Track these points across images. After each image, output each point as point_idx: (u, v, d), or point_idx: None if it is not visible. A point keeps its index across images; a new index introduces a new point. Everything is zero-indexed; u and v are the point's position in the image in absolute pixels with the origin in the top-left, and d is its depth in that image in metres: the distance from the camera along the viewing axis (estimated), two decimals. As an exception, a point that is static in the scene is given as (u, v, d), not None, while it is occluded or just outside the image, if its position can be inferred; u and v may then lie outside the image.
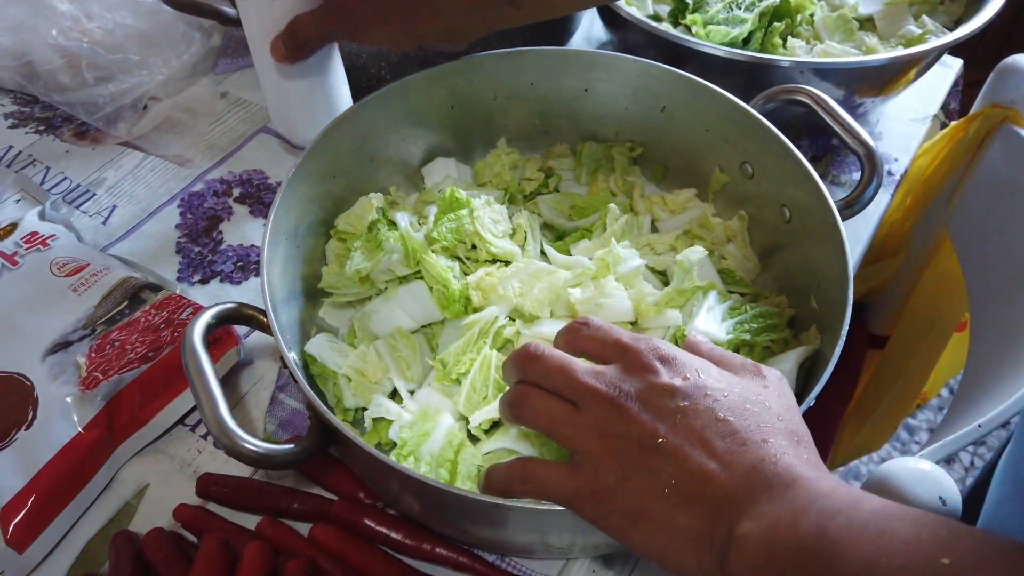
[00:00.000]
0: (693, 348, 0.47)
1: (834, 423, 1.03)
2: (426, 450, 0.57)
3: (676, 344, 0.61)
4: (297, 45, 0.65)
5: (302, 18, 0.63)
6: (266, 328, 0.55)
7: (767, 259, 0.69)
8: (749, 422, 0.41)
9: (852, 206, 0.66)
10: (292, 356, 0.57)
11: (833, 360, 0.53)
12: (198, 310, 0.64)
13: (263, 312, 0.56)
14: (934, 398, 1.22)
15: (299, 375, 0.52)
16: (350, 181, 0.67)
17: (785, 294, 0.66)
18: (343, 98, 0.74)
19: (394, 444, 0.57)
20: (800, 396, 0.54)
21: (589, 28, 0.98)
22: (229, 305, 0.55)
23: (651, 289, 0.64)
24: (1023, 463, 0.50)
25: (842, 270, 0.58)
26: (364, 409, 0.60)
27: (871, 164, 0.67)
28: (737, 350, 0.61)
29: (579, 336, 0.47)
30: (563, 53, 0.70)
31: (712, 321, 0.62)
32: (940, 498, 0.48)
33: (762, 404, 0.42)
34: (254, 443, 0.49)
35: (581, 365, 0.45)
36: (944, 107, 0.91)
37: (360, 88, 0.84)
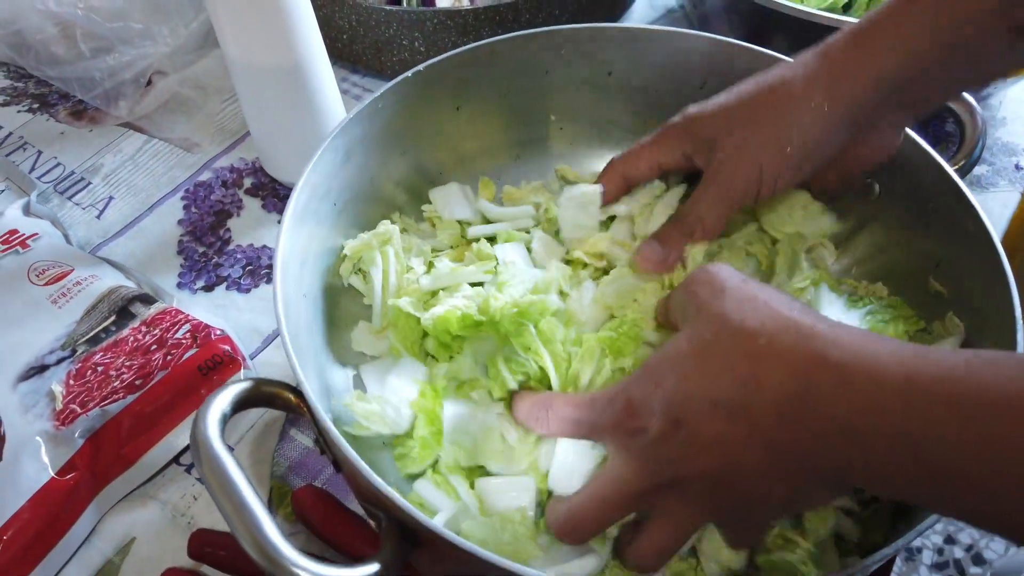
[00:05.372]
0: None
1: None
2: None
3: None
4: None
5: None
6: (297, 409, 0.44)
7: (844, 243, 0.56)
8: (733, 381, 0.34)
9: (960, 166, 0.53)
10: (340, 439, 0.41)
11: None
12: (197, 328, 0.54)
13: (293, 389, 0.44)
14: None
15: (371, 475, 0.38)
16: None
17: (880, 281, 0.53)
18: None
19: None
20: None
21: (653, -9, 0.85)
22: (245, 385, 0.43)
23: None
24: None
25: (980, 232, 0.46)
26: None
27: (973, 122, 0.54)
28: None
29: (541, 425, 0.45)
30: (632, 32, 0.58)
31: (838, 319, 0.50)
32: None
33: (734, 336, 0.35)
34: (316, 571, 0.35)
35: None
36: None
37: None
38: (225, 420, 0.42)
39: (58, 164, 0.71)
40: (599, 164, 0.60)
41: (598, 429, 0.41)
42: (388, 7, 0.69)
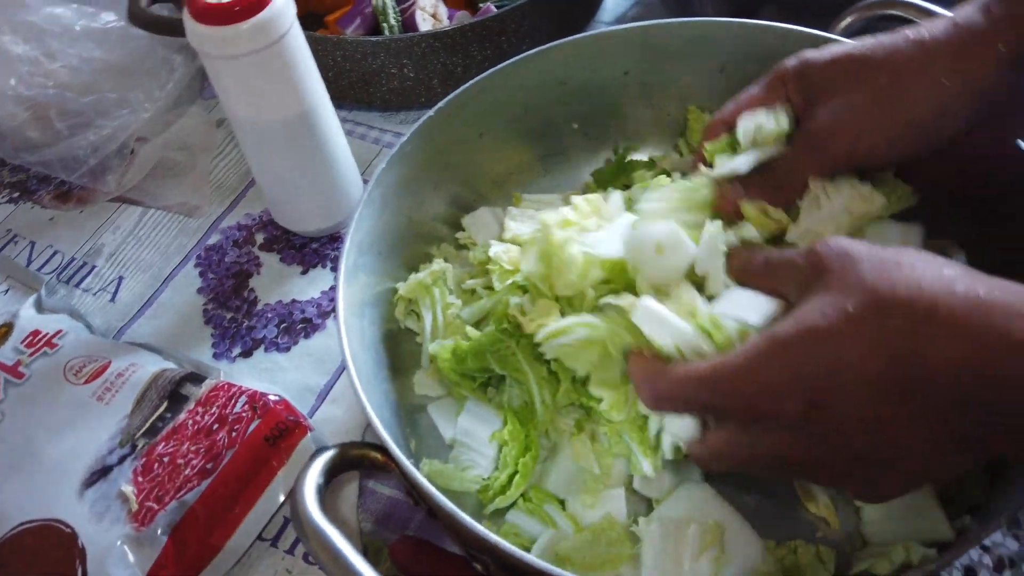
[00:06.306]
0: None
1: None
2: None
3: None
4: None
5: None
6: (385, 467, 0.44)
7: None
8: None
9: None
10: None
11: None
12: (253, 398, 0.53)
13: (378, 448, 0.44)
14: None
15: (474, 526, 0.38)
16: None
17: None
18: (353, 179, 0.64)
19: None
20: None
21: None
22: (331, 453, 0.43)
23: None
24: None
25: None
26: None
27: None
28: None
29: (651, 397, 0.40)
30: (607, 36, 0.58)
31: None
32: None
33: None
34: None
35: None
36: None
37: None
38: (321, 492, 0.42)
39: (56, 252, 0.68)
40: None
41: (720, 412, 0.37)
42: (374, 38, 0.68)
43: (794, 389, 0.33)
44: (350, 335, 0.46)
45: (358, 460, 0.44)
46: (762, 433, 0.35)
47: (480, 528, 0.38)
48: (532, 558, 0.38)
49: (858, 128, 0.43)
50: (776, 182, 0.47)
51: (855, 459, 0.34)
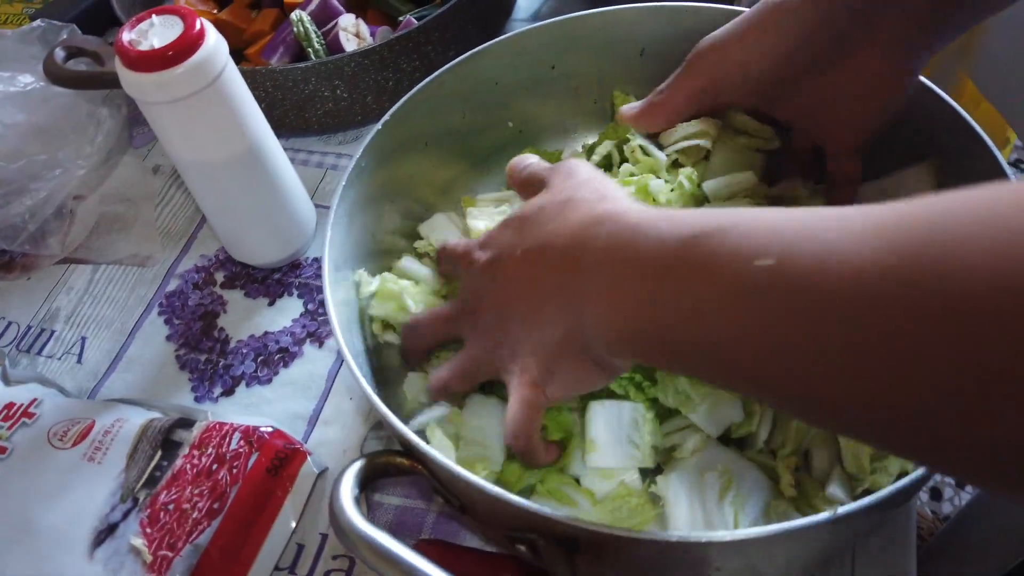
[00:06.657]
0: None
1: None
2: None
3: None
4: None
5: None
6: (411, 470, 0.44)
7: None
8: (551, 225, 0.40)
9: None
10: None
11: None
12: (247, 432, 0.53)
13: (400, 452, 0.45)
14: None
15: (521, 501, 0.39)
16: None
17: None
18: (305, 205, 0.65)
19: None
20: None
21: (528, -22, 0.87)
22: (360, 463, 0.43)
23: None
24: None
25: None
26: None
27: None
28: None
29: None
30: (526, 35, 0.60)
31: None
32: None
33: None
34: None
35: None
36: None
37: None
38: (358, 502, 0.42)
39: (10, 324, 0.67)
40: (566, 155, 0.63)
41: (456, 259, 0.48)
42: (303, 64, 0.68)
43: (493, 243, 0.44)
44: (350, 345, 0.46)
45: (385, 467, 0.44)
46: (470, 316, 0.45)
47: (528, 503, 0.39)
48: (592, 523, 0.38)
49: (709, 57, 0.50)
50: (655, 98, 0.54)
51: (499, 320, 0.42)
